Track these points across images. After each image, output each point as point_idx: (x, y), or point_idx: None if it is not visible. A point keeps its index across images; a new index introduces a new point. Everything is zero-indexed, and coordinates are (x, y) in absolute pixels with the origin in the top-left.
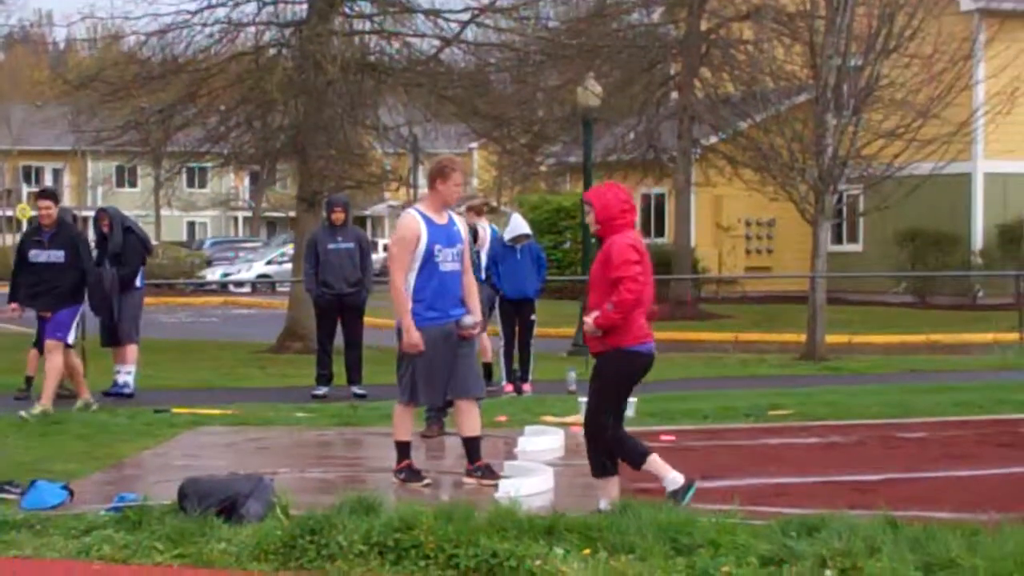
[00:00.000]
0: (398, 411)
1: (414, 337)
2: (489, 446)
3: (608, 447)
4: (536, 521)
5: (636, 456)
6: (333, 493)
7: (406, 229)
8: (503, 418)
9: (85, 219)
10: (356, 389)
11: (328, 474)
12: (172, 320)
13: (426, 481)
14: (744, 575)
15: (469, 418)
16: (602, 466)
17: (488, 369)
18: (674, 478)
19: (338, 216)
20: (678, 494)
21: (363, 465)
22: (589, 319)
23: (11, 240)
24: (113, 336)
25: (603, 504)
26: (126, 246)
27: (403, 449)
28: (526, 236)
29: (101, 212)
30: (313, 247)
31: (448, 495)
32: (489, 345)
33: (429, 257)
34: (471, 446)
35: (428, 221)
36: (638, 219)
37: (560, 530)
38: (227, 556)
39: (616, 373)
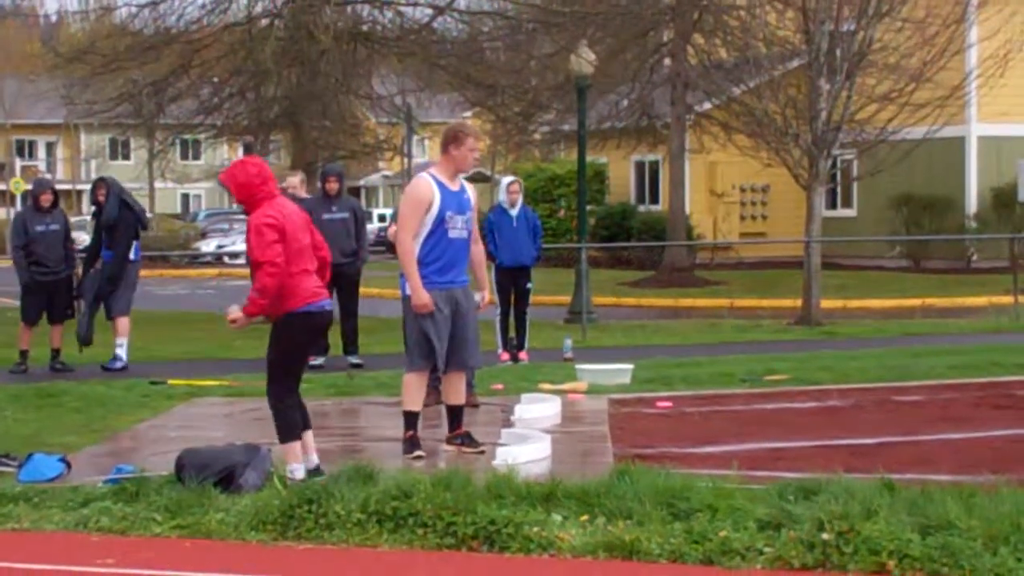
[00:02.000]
0: (406, 380)
1: (424, 297)
2: (486, 414)
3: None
4: (534, 488)
5: (288, 432)
6: (330, 462)
7: (418, 192)
8: (500, 386)
9: (80, 192)
10: (352, 359)
11: (325, 444)
12: (167, 292)
13: (418, 453)
14: (742, 539)
15: (457, 387)
16: (290, 429)
17: None
18: (294, 468)
19: (332, 186)
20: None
21: (360, 435)
22: (234, 313)
23: (4, 214)
24: (107, 310)
25: (297, 471)
26: (120, 221)
27: (410, 420)
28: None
29: (99, 181)
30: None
31: (445, 463)
32: None
33: (440, 223)
34: (454, 414)
35: (441, 186)
36: (632, 185)
37: (558, 497)
38: (225, 526)
39: (291, 337)
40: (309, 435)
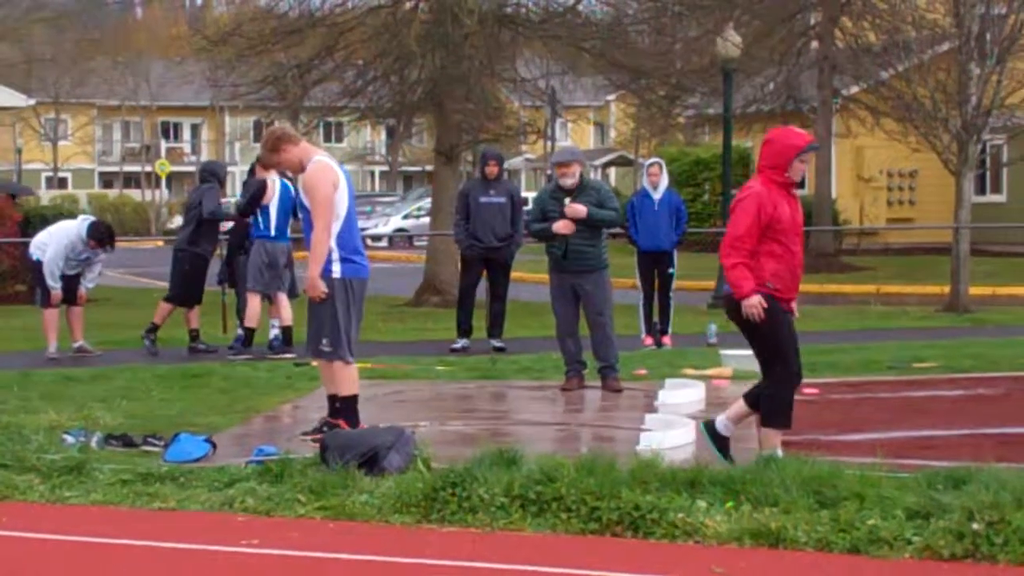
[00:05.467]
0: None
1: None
2: (629, 399)
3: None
4: (678, 474)
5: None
6: (474, 446)
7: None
8: (643, 371)
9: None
10: (495, 342)
11: (468, 427)
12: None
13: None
14: (890, 528)
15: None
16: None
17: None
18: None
19: (492, 170)
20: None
21: (504, 418)
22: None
23: (150, 196)
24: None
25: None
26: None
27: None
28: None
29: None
30: (465, 199)
31: (588, 448)
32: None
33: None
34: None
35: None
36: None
37: (703, 483)
38: (369, 508)
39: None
40: None
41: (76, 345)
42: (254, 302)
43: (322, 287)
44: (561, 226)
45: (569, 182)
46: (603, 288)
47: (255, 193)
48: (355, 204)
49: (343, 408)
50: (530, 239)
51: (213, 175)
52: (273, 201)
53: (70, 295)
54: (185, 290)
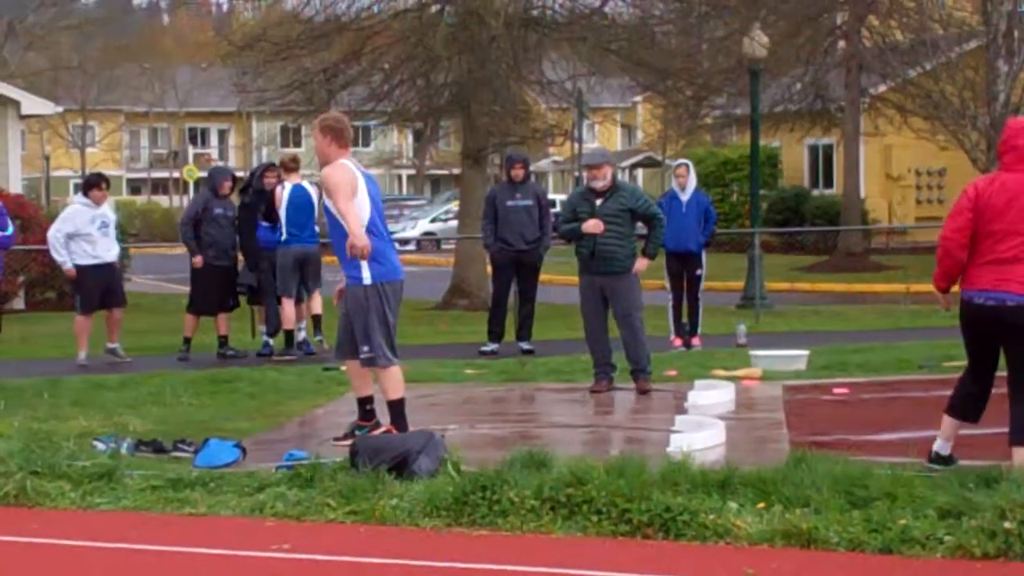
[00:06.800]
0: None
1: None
2: (659, 400)
3: None
4: (709, 475)
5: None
6: (504, 449)
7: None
8: (673, 372)
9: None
10: (524, 345)
11: (498, 430)
12: (339, 279)
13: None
14: (922, 527)
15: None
16: None
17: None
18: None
19: (518, 172)
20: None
21: (533, 421)
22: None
23: (177, 201)
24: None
25: None
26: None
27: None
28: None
29: (271, 167)
30: (492, 203)
31: (618, 450)
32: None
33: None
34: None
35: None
36: (806, 169)
37: (734, 484)
38: (399, 512)
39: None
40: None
41: (110, 347)
42: (286, 305)
43: (366, 241)
44: (591, 225)
45: (600, 184)
46: (632, 289)
47: (267, 202)
48: (383, 210)
49: (391, 413)
50: (559, 241)
51: (207, 182)
52: (282, 207)
53: (112, 297)
54: (196, 298)
